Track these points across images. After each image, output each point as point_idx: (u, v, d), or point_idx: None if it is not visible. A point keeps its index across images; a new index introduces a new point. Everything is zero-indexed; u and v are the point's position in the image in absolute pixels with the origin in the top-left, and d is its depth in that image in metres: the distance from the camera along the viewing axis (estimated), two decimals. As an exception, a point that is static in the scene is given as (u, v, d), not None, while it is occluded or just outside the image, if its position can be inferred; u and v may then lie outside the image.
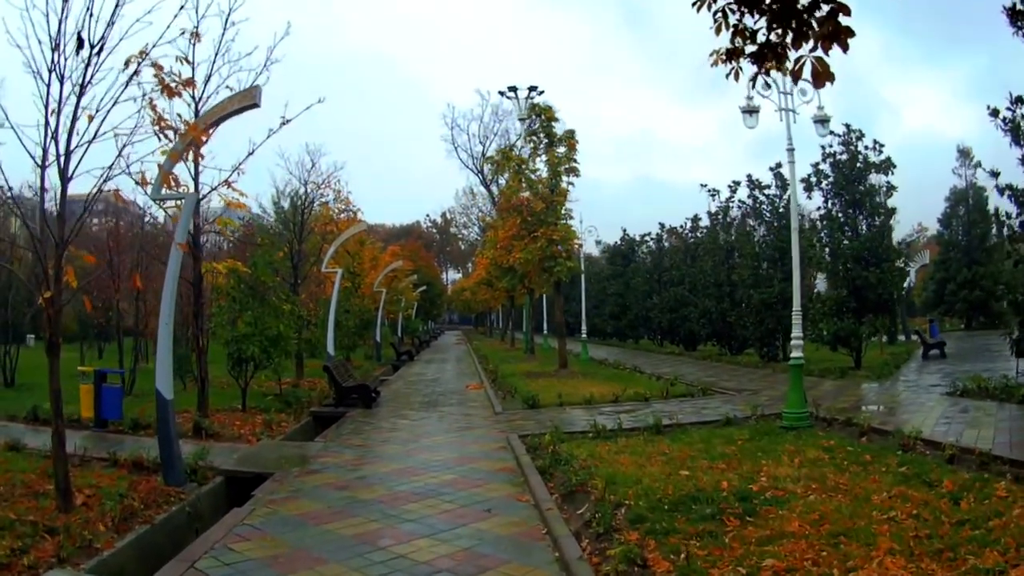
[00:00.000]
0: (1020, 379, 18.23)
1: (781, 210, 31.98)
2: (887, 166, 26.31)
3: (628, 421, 15.15)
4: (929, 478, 9.26)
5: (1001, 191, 17.75)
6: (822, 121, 15.17)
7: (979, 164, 60.16)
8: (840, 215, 26.72)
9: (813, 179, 27.06)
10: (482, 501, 9.84)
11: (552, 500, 9.53)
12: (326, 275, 29.37)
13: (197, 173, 15.27)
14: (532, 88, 35.71)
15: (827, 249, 27.34)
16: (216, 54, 14.91)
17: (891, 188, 26.41)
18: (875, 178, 26.64)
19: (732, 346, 37.41)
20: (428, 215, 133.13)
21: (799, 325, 15.22)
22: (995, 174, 17.99)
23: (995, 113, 17.54)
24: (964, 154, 60.41)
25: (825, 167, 26.75)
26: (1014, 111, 17.14)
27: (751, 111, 14.91)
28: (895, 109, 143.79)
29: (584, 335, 42.71)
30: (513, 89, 36.28)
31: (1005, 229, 18.60)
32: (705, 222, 42.10)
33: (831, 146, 26.65)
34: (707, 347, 41.64)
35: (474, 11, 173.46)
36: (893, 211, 27.13)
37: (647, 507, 8.41)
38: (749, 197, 34.74)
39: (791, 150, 15.13)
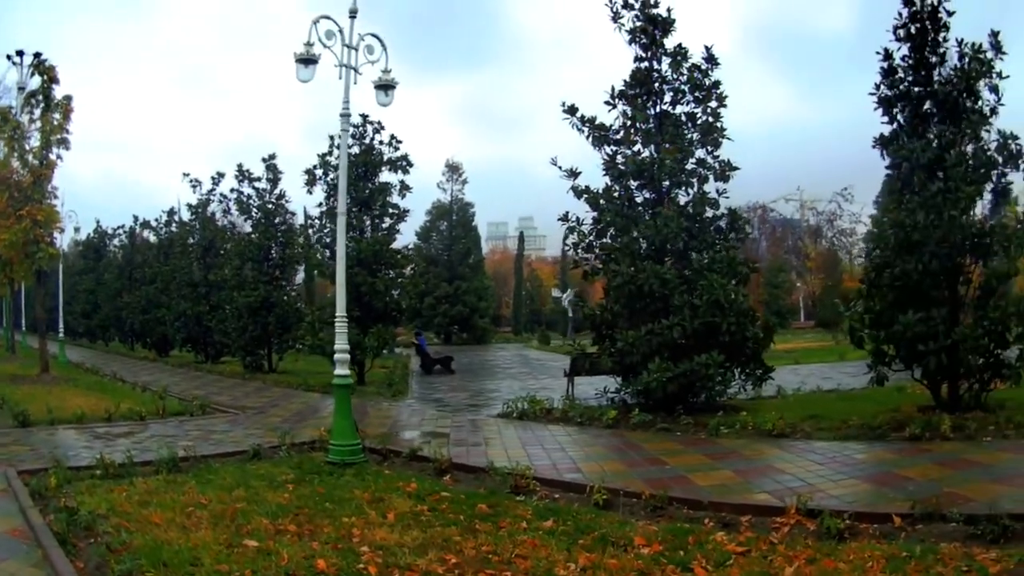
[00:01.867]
0: (583, 401, 17.77)
1: (270, 206, 29.33)
2: (404, 164, 24.82)
3: (135, 450, 11.80)
4: (609, 535, 7.19)
5: (579, 193, 17.22)
6: (385, 87, 12.45)
7: (466, 180, 63.99)
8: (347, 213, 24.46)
9: (319, 171, 24.65)
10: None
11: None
12: None
13: None
14: (37, 55, 28.80)
15: (327, 251, 24.86)
16: None
17: (405, 188, 24.96)
18: (390, 176, 25.15)
19: (209, 353, 33.96)
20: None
21: (344, 334, 12.53)
22: (574, 173, 17.38)
23: (572, 111, 17.24)
24: (453, 169, 63.15)
25: (333, 159, 24.38)
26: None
27: (308, 60, 11.73)
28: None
29: (61, 334, 37.91)
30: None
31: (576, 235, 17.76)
32: (187, 215, 37.30)
33: (352, 136, 24.46)
34: (181, 353, 37.84)
35: None
36: (406, 212, 25.66)
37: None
38: (233, 191, 31.56)
39: (346, 115, 12.26)
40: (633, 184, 17.31)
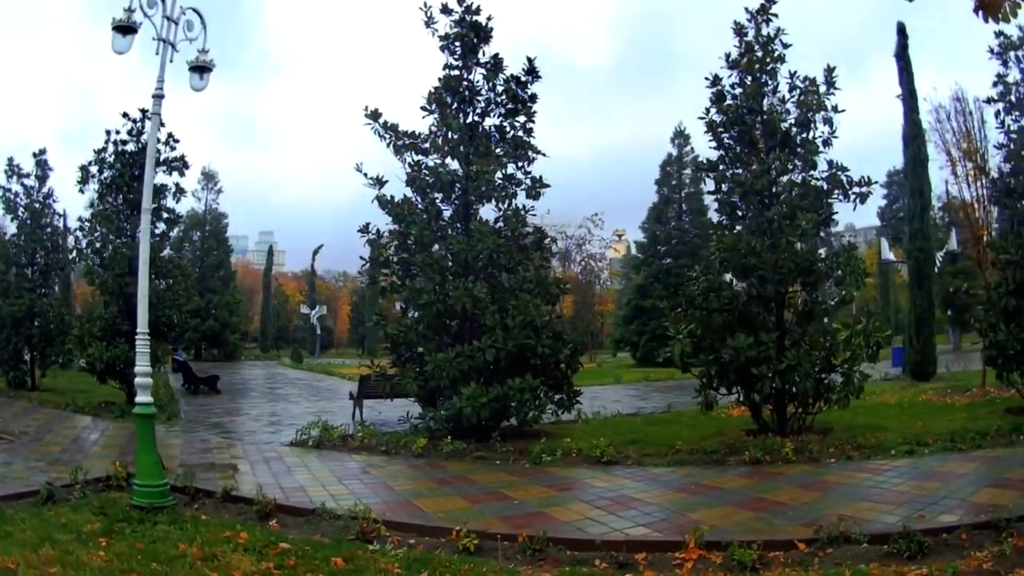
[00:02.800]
0: (375, 426, 17.22)
1: (37, 205, 26.60)
2: (180, 166, 23.14)
3: None
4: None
5: (384, 204, 16.74)
6: (201, 70, 11.17)
7: (221, 190, 61.49)
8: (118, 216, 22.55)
9: (94, 168, 22.55)
10: None
11: None
12: None
13: None
14: None
15: (98, 257, 22.70)
16: None
17: (180, 191, 23.26)
18: (164, 177, 23.20)
19: None
20: None
21: (146, 354, 10.94)
22: (380, 182, 16.89)
23: (375, 115, 16.95)
24: (208, 177, 60.78)
25: (110, 156, 22.45)
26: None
27: (127, 29, 10.30)
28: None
29: None
30: None
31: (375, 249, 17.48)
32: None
33: (118, 131, 22.58)
34: None
35: None
36: (180, 218, 24.07)
37: None
38: None
39: (159, 97, 10.90)
40: (438, 196, 16.90)
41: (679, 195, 52.50)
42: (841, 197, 15.50)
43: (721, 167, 16.09)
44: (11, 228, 27.41)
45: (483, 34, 16.99)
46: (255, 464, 13.79)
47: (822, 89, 15.59)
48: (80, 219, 23.10)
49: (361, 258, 18.01)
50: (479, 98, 17.09)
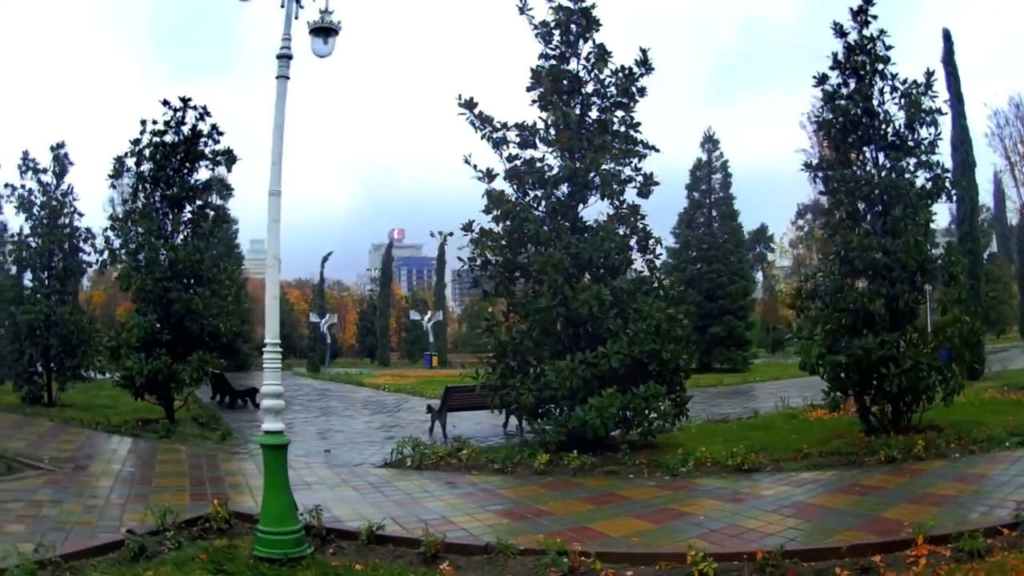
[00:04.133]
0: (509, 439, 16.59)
1: (55, 203, 24.45)
2: (228, 160, 20.92)
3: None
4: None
5: (495, 201, 15.82)
6: (326, 32, 9.07)
7: (231, 195, 59.28)
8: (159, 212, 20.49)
9: (130, 161, 20.47)
10: None
11: None
12: None
13: None
14: None
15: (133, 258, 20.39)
16: None
17: (226, 188, 21.26)
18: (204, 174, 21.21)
19: None
20: None
21: (277, 368, 8.55)
22: (491, 175, 16.02)
23: (469, 104, 15.91)
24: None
25: (147, 148, 20.36)
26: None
27: None
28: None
29: None
30: None
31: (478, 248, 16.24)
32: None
33: (154, 121, 20.50)
34: None
35: None
36: (227, 218, 21.69)
37: None
38: (6, 187, 25.95)
39: (286, 58, 8.79)
40: (539, 192, 15.96)
41: (709, 200, 51.02)
42: (944, 199, 16.10)
43: (834, 167, 16.00)
44: (24, 227, 25.15)
45: (590, 21, 15.98)
46: (363, 492, 11.92)
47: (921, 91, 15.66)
48: (112, 217, 20.96)
49: (460, 259, 16.78)
50: (585, 90, 16.10)
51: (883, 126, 15.62)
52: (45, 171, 24.82)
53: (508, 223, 15.54)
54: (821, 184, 16.64)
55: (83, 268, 25.28)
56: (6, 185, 27.47)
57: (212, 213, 20.67)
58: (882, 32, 15.76)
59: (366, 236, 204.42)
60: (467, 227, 16.02)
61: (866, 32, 15.82)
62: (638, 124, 16.04)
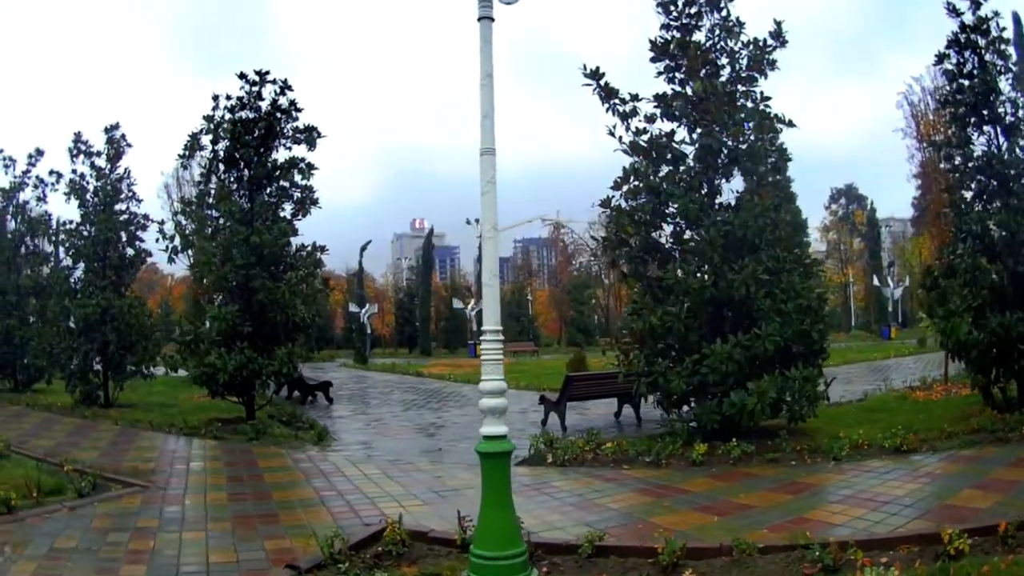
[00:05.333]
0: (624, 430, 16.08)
1: (110, 188, 22.93)
2: (312, 137, 19.40)
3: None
4: None
5: (640, 176, 15.28)
6: None
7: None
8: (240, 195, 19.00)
9: (206, 139, 19.13)
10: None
11: None
12: None
13: None
14: None
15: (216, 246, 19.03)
16: None
17: (310, 168, 19.49)
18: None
19: (18, 379, 27.34)
20: None
21: (499, 361, 7.27)
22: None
23: (595, 75, 15.15)
24: None
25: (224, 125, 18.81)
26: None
27: None
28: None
29: None
30: None
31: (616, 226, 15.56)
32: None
33: (228, 96, 19.00)
34: None
35: None
36: (316, 200, 19.88)
37: None
38: (52, 174, 25.81)
39: (488, 19, 7.32)
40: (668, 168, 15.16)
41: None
42: None
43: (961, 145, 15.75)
44: (76, 215, 23.54)
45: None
46: (524, 495, 10.51)
47: None
48: (183, 200, 19.40)
49: (594, 238, 16.14)
50: (720, 61, 15.33)
51: (1004, 106, 15.50)
52: (99, 154, 23.17)
53: (643, 200, 14.94)
54: (945, 162, 16.51)
55: (143, 258, 23.56)
56: (51, 172, 26.32)
57: (297, 194, 19.03)
58: (996, 13, 15.50)
59: (374, 225, 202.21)
60: (605, 203, 15.32)
61: (980, 13, 15.52)
62: (768, 98, 15.29)
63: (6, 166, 27.73)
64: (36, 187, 27.39)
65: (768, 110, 15.19)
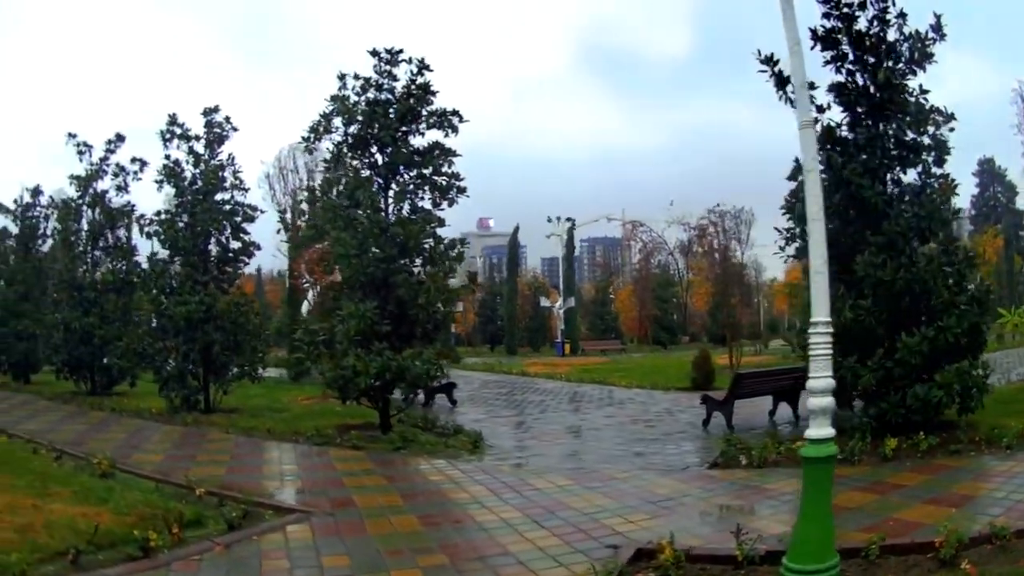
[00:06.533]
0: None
1: (211, 176, 21.36)
2: (453, 121, 17.78)
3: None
4: None
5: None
6: None
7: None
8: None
9: (338, 120, 17.45)
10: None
11: None
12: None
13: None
14: None
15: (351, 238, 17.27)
16: None
17: (451, 153, 17.85)
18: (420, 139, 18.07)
19: (97, 381, 25.67)
20: None
21: (827, 357, 6.82)
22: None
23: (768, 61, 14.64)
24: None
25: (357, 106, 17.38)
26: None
27: None
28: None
29: None
30: None
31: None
32: (73, 192, 27.51)
33: (356, 76, 17.58)
34: (56, 380, 27.30)
35: None
36: (463, 187, 18.20)
37: None
38: (134, 161, 25.24)
39: None
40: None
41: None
42: None
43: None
44: (169, 204, 22.09)
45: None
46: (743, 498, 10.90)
47: None
48: (309, 187, 18.00)
49: (776, 229, 16.20)
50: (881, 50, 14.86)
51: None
52: (197, 139, 21.55)
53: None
54: None
55: (250, 251, 22.11)
56: (133, 159, 25.04)
57: (442, 181, 17.56)
58: None
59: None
60: (794, 194, 15.44)
61: None
62: (927, 91, 15.13)
63: (80, 152, 26.19)
64: (116, 175, 25.98)
65: (924, 103, 15.07)
